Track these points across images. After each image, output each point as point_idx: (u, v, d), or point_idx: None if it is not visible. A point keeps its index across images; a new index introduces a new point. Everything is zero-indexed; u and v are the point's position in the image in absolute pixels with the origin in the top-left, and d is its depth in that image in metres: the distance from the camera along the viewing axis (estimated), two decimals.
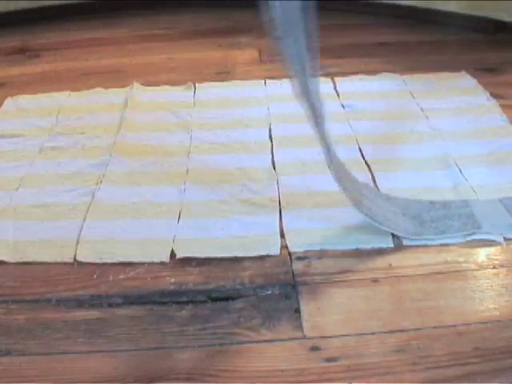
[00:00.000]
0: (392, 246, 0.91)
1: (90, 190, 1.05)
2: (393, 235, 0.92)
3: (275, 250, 0.91)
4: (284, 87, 1.38)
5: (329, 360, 0.74)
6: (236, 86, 1.40)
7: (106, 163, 1.12)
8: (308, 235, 0.93)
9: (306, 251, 0.91)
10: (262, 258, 0.90)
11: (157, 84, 1.42)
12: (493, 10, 1.55)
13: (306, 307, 0.81)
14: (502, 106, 1.27)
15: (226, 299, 0.83)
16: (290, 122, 1.24)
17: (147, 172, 1.10)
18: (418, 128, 1.21)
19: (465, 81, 1.35)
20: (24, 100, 1.37)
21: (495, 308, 0.80)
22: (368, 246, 0.91)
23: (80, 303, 0.83)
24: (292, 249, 0.91)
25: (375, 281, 0.85)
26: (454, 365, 0.73)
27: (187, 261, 0.90)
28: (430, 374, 0.72)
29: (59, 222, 0.98)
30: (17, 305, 0.84)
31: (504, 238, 0.91)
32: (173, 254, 0.91)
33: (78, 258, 0.91)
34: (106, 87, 1.41)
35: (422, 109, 1.27)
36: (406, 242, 0.91)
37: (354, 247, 0.91)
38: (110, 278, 0.87)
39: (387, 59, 1.50)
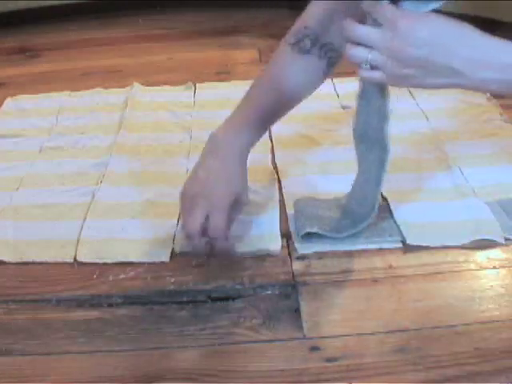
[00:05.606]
0: (392, 246, 0.91)
1: (90, 190, 1.05)
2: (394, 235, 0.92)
3: (275, 250, 0.91)
4: None
5: (329, 360, 0.74)
6: (236, 86, 1.40)
7: (106, 163, 1.12)
8: (308, 235, 0.93)
9: (306, 251, 0.91)
10: (262, 257, 0.90)
11: (157, 84, 1.41)
12: (491, 10, 1.55)
13: (306, 307, 0.81)
14: (502, 106, 1.26)
15: (226, 299, 0.83)
16: (289, 122, 1.24)
17: (147, 172, 1.10)
18: (417, 129, 1.21)
19: None
20: (24, 100, 1.37)
21: (495, 308, 0.80)
22: (368, 246, 0.91)
23: (80, 303, 0.83)
24: (292, 249, 0.91)
25: (375, 281, 0.85)
26: (454, 365, 0.72)
27: (187, 261, 0.90)
28: (430, 374, 0.71)
29: (59, 222, 0.98)
30: (17, 305, 0.84)
31: (505, 238, 0.91)
32: (173, 254, 0.91)
33: (78, 258, 0.91)
34: (106, 87, 1.41)
35: (421, 109, 1.27)
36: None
37: (354, 247, 0.91)
38: (110, 277, 0.87)
39: None
